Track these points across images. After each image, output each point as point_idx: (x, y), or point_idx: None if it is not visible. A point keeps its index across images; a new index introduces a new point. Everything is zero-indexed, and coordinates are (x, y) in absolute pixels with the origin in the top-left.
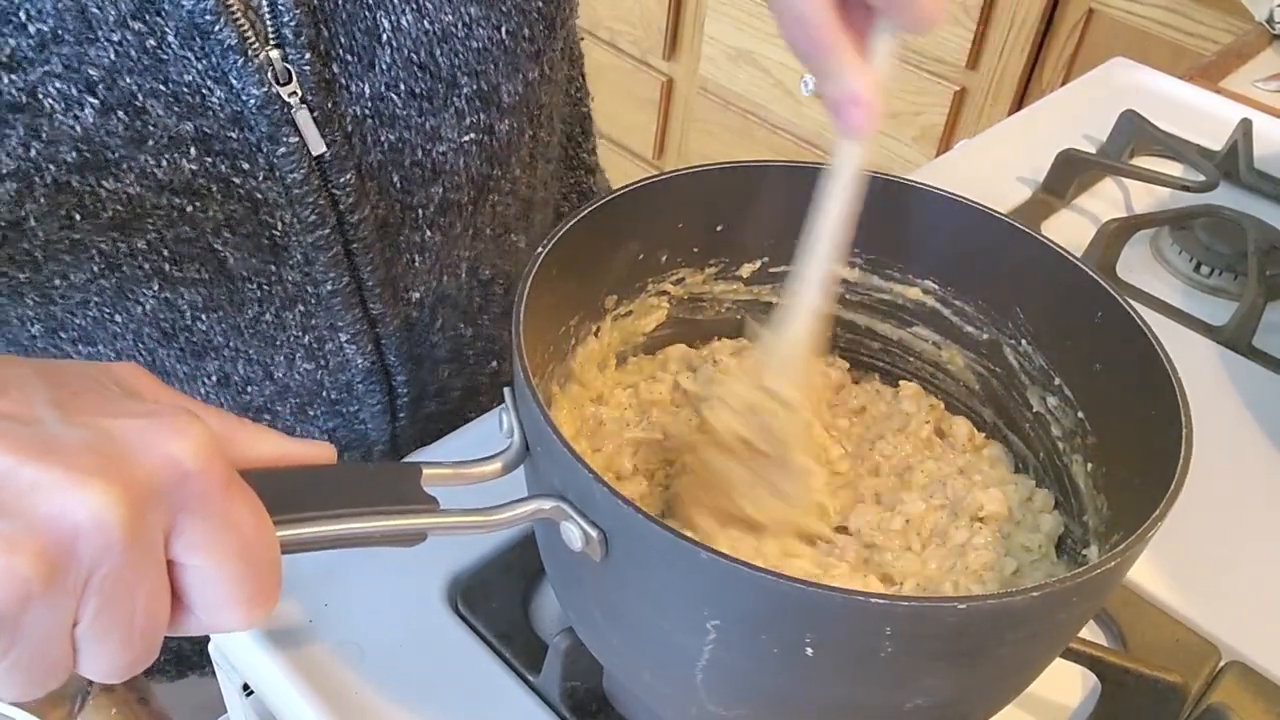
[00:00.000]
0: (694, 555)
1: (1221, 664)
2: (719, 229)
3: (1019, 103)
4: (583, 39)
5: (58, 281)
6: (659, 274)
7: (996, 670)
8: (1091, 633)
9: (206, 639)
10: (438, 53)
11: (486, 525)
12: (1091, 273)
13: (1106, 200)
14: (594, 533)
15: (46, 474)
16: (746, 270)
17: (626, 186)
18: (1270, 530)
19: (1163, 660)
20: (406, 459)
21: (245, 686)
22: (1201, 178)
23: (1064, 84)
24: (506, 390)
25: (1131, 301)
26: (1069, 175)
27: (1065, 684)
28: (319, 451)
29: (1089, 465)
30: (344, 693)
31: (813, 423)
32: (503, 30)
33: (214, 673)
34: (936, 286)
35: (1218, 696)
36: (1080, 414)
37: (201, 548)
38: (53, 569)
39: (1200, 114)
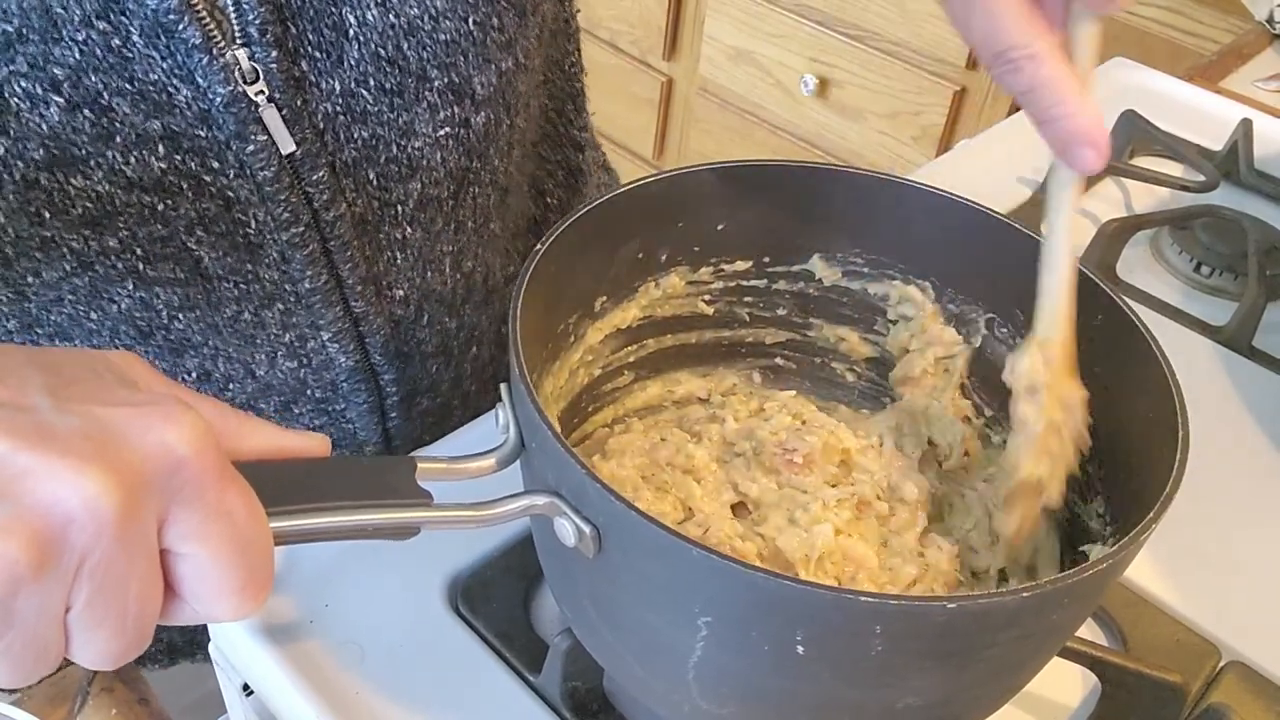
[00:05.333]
0: (685, 551)
1: (1221, 664)
2: (720, 228)
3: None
4: (579, 10)
5: (30, 279)
6: (659, 273)
7: (988, 670)
8: (1091, 633)
9: (195, 628)
10: (405, 46)
11: (480, 520)
12: (1092, 275)
13: (1106, 200)
14: (587, 528)
15: (40, 460)
16: (747, 267)
17: (626, 185)
18: (1270, 530)
19: (1163, 660)
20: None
21: (245, 686)
22: (1201, 178)
23: None
24: (503, 387)
25: (1131, 303)
26: None
27: (1065, 684)
28: (313, 444)
29: (1088, 467)
30: (344, 693)
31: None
32: (470, 21)
33: (205, 660)
34: (936, 288)
35: (1218, 696)
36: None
37: (194, 536)
38: (44, 555)
39: (1200, 114)
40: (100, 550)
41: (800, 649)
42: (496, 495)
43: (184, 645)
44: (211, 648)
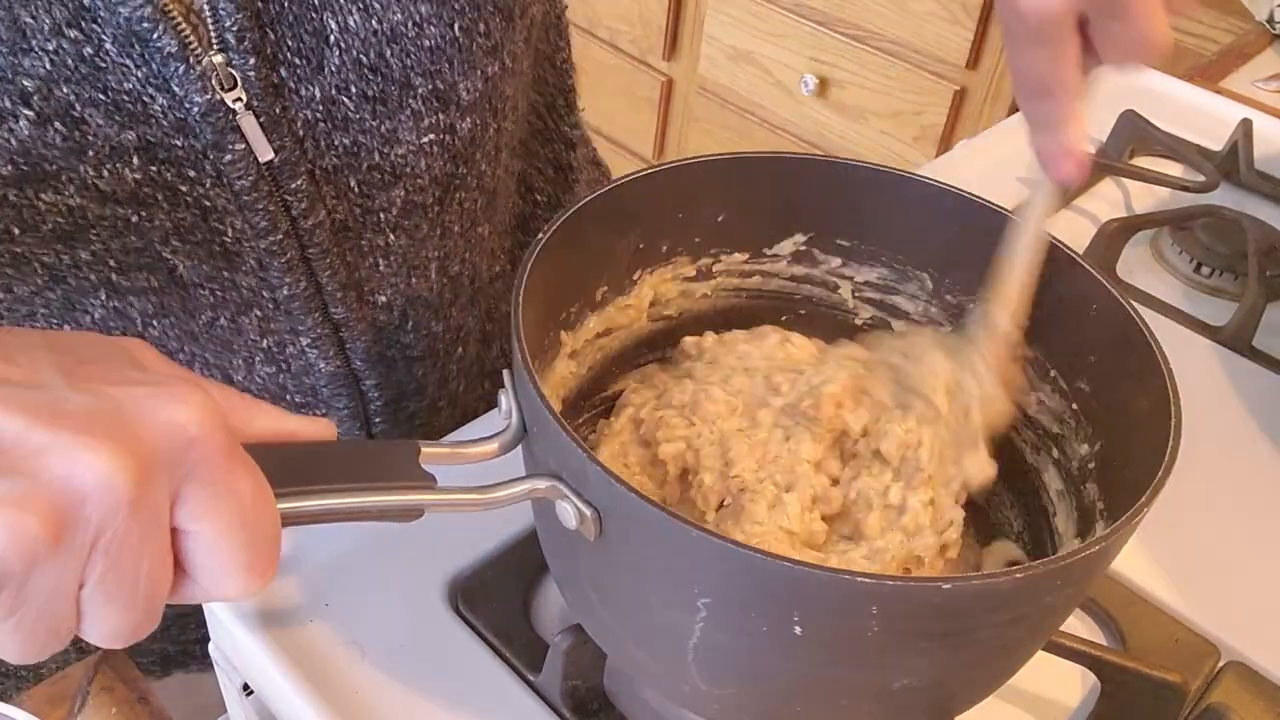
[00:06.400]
0: (685, 533)
1: (1221, 664)
2: (720, 219)
3: None
4: (567, 8)
5: (1, 295)
6: (659, 263)
7: (982, 653)
8: (1091, 632)
9: (193, 638)
10: (388, 53)
11: (483, 503)
12: (1086, 265)
13: (1106, 200)
14: (588, 511)
15: (55, 437)
16: (746, 258)
17: (628, 176)
18: (1270, 530)
19: (1163, 660)
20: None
21: (245, 686)
22: (1201, 178)
23: None
24: (506, 373)
25: (1124, 294)
26: None
27: (1065, 684)
28: (318, 428)
29: (1082, 453)
30: (344, 693)
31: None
32: (455, 28)
33: (199, 670)
34: (934, 279)
35: (1217, 696)
36: (1074, 405)
37: (203, 515)
38: (60, 530)
39: (1200, 114)
40: (114, 527)
41: (798, 629)
42: (499, 479)
43: (177, 655)
44: (211, 647)
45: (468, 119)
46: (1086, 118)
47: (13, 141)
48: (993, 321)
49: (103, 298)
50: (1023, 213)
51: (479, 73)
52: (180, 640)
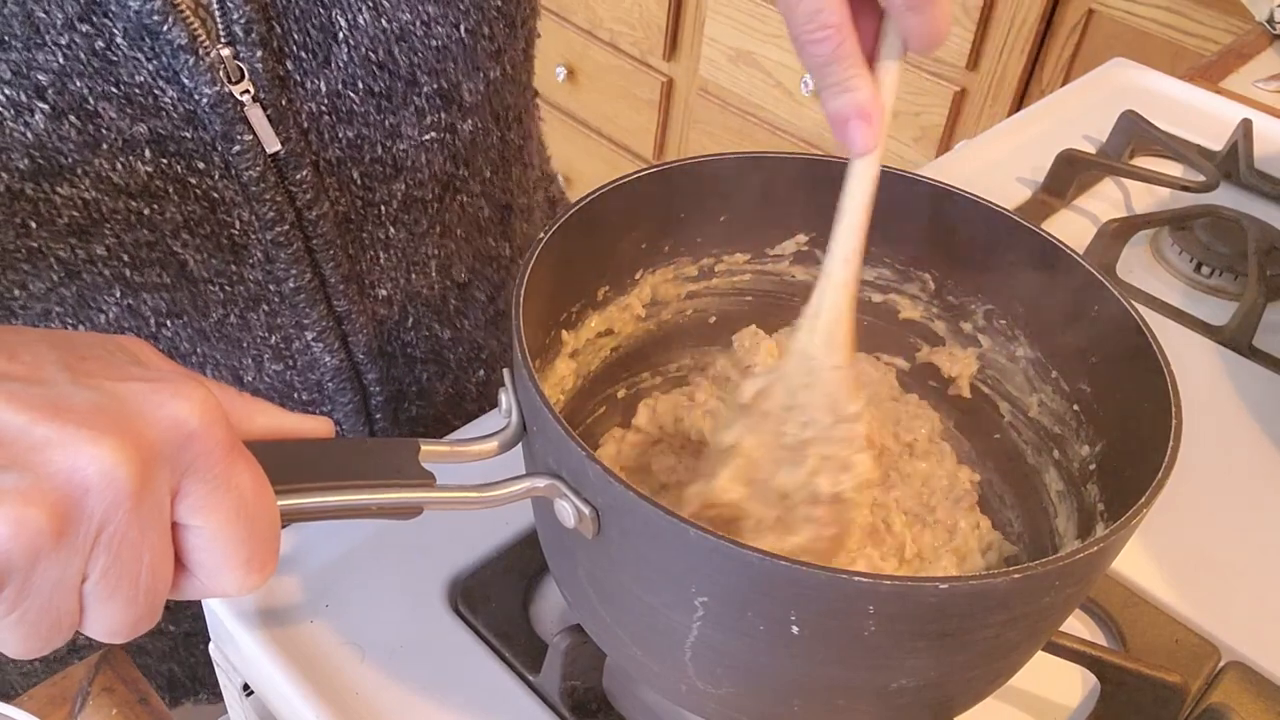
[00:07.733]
0: (683, 532)
1: (1221, 664)
2: (721, 219)
3: (1019, 103)
4: (541, 13)
5: (17, 292)
6: (661, 263)
7: (980, 653)
8: (1091, 633)
9: (202, 659)
10: (396, 51)
11: (482, 502)
12: (1087, 265)
13: (1106, 200)
14: (586, 510)
15: (59, 432)
16: (748, 258)
17: (628, 176)
18: (1270, 530)
19: (1163, 660)
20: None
21: (245, 686)
22: (1201, 178)
23: (1064, 84)
24: (506, 371)
25: (1125, 294)
26: (1069, 175)
27: (1065, 684)
28: (317, 425)
29: (1083, 454)
30: (344, 693)
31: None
32: (461, 29)
33: (208, 700)
34: (936, 280)
35: (1217, 696)
36: (1076, 406)
37: (203, 509)
38: (64, 524)
39: (1200, 114)
40: (117, 520)
41: (795, 629)
42: (499, 478)
43: (184, 678)
44: (211, 648)
45: (469, 120)
46: (880, 87)
47: (29, 135)
48: (833, 277)
49: (117, 295)
50: (846, 196)
51: (481, 74)
52: (188, 662)
